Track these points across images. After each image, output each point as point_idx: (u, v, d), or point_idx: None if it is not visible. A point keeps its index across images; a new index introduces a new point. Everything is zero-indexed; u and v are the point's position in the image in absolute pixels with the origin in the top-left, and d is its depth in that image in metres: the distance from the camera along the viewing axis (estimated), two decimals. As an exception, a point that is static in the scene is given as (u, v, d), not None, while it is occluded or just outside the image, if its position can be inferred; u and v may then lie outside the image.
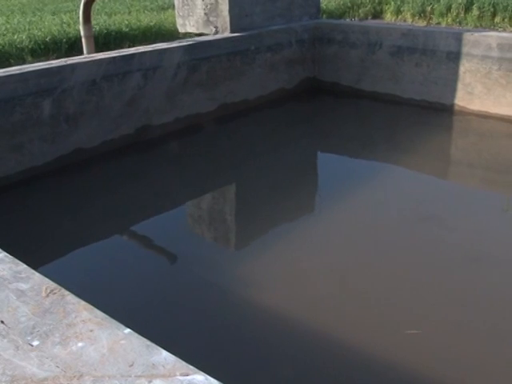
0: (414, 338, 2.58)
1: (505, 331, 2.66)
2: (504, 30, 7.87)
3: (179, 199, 4.15)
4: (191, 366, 1.23)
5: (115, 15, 9.36)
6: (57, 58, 6.01)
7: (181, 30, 6.15)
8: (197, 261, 3.28)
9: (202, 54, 5.31)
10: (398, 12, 10.35)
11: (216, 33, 5.73)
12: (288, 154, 4.85)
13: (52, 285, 1.54)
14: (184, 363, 1.24)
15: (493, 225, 3.71)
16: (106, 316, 1.41)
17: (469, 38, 5.58)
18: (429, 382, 2.36)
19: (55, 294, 1.50)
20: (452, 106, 5.81)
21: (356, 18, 10.35)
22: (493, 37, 5.48)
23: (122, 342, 1.32)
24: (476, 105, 5.68)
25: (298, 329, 2.66)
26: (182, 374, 1.21)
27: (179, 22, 6.08)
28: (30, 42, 6.98)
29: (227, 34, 5.64)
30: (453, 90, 5.77)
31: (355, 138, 5.34)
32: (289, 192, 4.15)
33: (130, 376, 1.22)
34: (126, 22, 8.27)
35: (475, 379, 2.39)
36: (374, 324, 2.70)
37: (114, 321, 1.40)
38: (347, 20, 9.91)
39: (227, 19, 5.62)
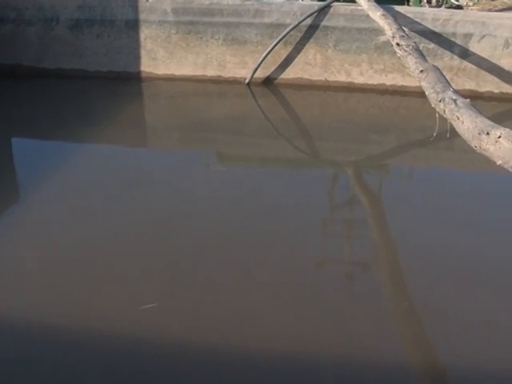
0: (152, 312, 2.60)
1: (219, 279, 2.88)
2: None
3: None
4: None
5: None
6: None
7: None
8: None
9: None
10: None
11: None
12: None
13: None
14: None
15: (198, 180, 3.91)
16: None
17: (145, 5, 5.71)
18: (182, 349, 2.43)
19: None
20: (139, 73, 5.91)
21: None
22: (167, 2, 5.67)
23: None
24: (161, 69, 5.87)
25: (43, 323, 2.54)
26: None
27: None
28: None
29: None
30: (137, 58, 5.87)
31: (46, 119, 5.11)
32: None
33: None
34: None
35: (223, 330, 2.54)
36: (107, 304, 2.67)
37: None
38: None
39: None
